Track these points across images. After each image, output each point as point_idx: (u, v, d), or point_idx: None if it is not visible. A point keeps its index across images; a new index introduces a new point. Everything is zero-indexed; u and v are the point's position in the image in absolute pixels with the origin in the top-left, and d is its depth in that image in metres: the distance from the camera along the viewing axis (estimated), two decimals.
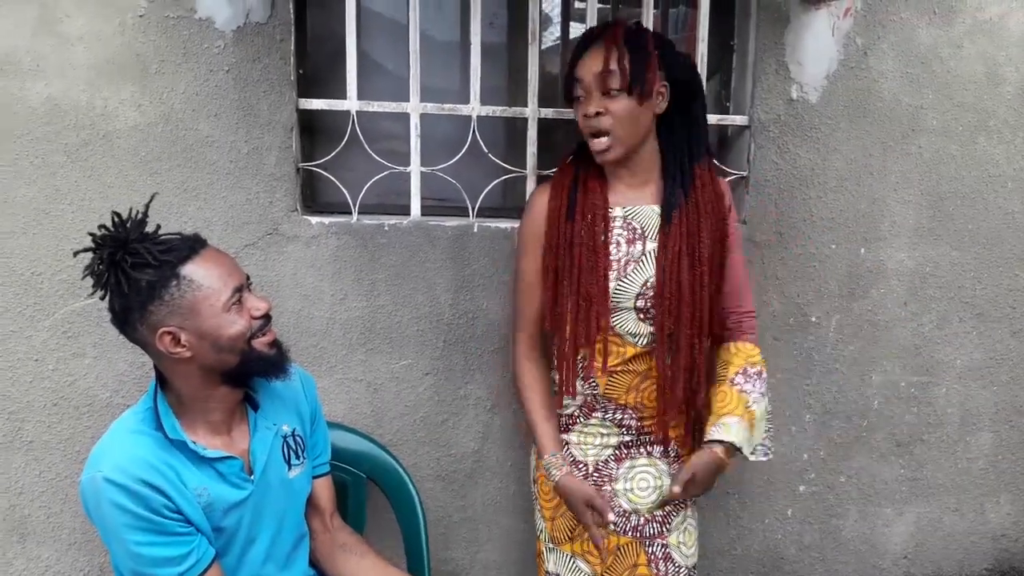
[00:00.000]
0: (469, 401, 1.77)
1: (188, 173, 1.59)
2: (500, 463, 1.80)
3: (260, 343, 1.14)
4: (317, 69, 1.79)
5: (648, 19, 1.71)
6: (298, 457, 1.26)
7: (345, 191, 1.69)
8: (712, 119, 1.79)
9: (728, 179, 1.80)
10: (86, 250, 1.09)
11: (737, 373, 1.45)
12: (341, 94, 1.67)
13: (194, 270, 1.08)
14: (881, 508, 1.98)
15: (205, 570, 1.11)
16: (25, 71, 1.52)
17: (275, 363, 1.16)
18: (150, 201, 1.15)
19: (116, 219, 1.09)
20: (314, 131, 1.80)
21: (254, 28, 1.57)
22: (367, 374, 1.72)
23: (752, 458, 1.44)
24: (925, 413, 1.96)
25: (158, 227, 1.13)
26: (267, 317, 1.15)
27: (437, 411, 1.76)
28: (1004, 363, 1.97)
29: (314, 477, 1.34)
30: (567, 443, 1.49)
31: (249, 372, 1.15)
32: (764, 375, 1.47)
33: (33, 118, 1.54)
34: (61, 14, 1.51)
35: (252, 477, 1.19)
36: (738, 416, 1.42)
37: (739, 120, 1.79)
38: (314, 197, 1.82)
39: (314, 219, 1.66)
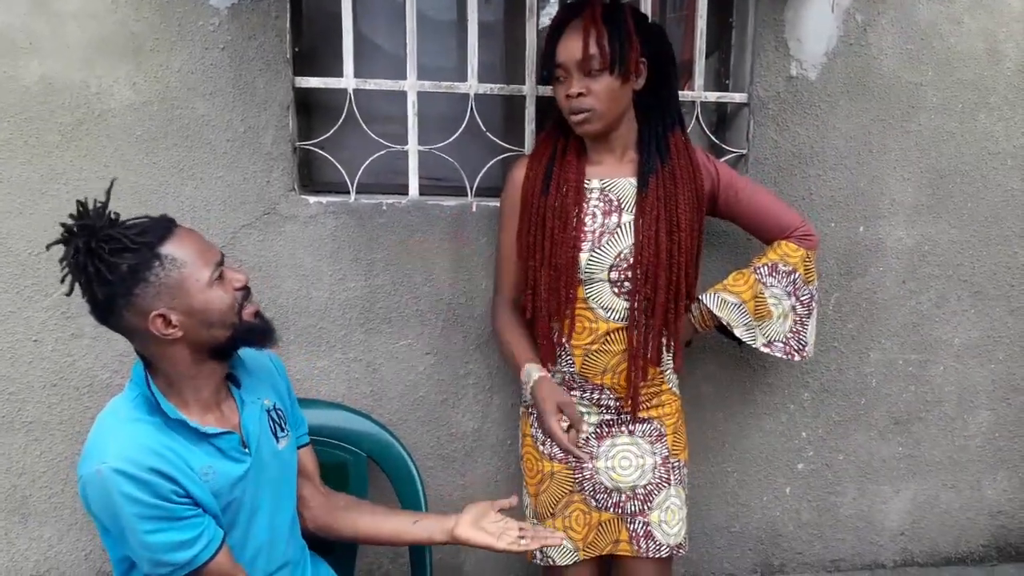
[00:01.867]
0: (468, 380, 1.77)
1: (184, 153, 1.59)
2: (500, 442, 1.81)
3: (247, 314, 1.15)
4: (313, 47, 1.78)
5: None
6: (282, 429, 1.27)
7: (343, 170, 1.68)
8: (711, 96, 1.79)
9: (727, 157, 1.80)
10: (57, 242, 1.07)
11: (764, 264, 1.55)
12: (337, 72, 1.66)
13: (174, 249, 1.07)
14: (879, 485, 2.00)
15: (216, 550, 1.11)
16: (19, 49, 1.51)
17: (264, 331, 1.17)
18: (110, 188, 1.13)
19: (81, 208, 1.06)
20: (311, 110, 1.79)
21: (249, 5, 1.56)
22: (366, 354, 1.72)
23: (764, 349, 1.56)
24: (923, 391, 1.96)
25: (117, 215, 1.09)
26: (247, 289, 1.16)
27: (436, 391, 1.76)
28: (1002, 341, 1.98)
29: (298, 448, 1.35)
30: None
31: (238, 344, 1.16)
32: (798, 275, 1.54)
33: (27, 97, 1.53)
34: None
35: (248, 451, 1.19)
36: (740, 299, 1.52)
37: (738, 98, 1.78)
38: (311, 176, 1.82)
39: (312, 199, 1.65)
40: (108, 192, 1.11)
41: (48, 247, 1.10)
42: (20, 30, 1.50)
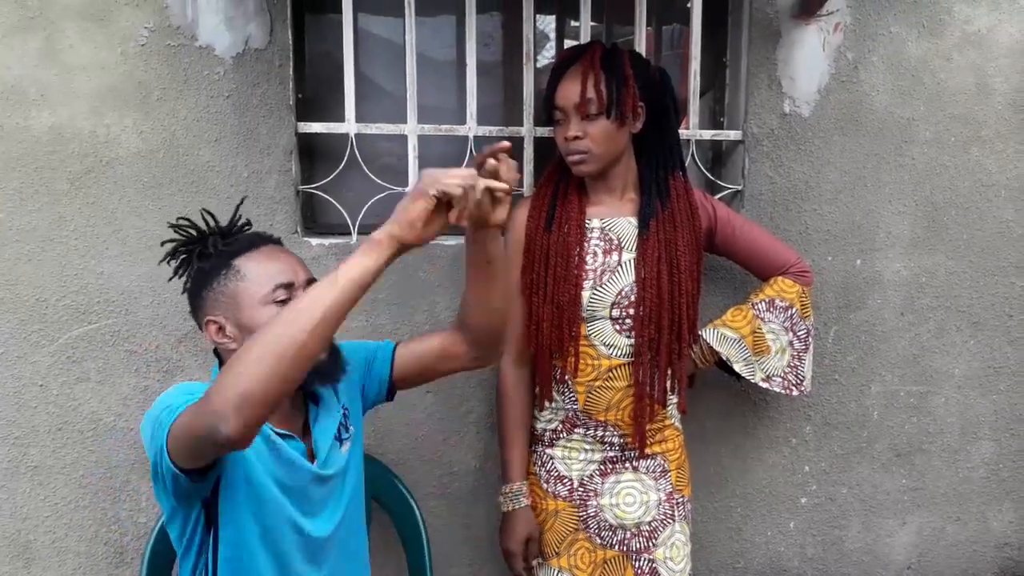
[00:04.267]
0: (470, 419, 1.78)
1: (190, 198, 1.62)
2: (501, 481, 1.81)
3: None
4: (315, 93, 1.82)
5: (641, 37, 1.74)
6: (347, 430, 1.25)
7: (344, 212, 1.71)
8: (706, 135, 1.82)
9: (722, 193, 1.82)
10: (169, 241, 1.18)
11: (762, 300, 1.57)
12: (339, 117, 1.69)
13: (245, 262, 1.12)
14: (883, 519, 1.99)
15: None
16: (30, 100, 1.55)
17: (322, 370, 1.10)
18: (240, 204, 1.23)
19: (206, 218, 1.18)
20: (313, 154, 1.83)
21: (253, 54, 1.60)
22: None
23: (763, 384, 1.58)
24: (925, 422, 1.96)
25: (245, 226, 1.21)
26: None
27: (438, 429, 1.77)
28: (1003, 371, 1.98)
29: (393, 351, 1.28)
30: (552, 458, 1.51)
31: None
32: (795, 310, 1.56)
33: (37, 146, 1.56)
34: (65, 44, 1.54)
35: (314, 462, 1.17)
36: (739, 334, 1.54)
37: (733, 135, 1.81)
38: (314, 219, 1.84)
39: (315, 240, 1.68)
40: (237, 207, 1.22)
41: (163, 244, 1.20)
42: (31, 82, 1.54)
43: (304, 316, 0.90)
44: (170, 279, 1.20)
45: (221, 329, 1.11)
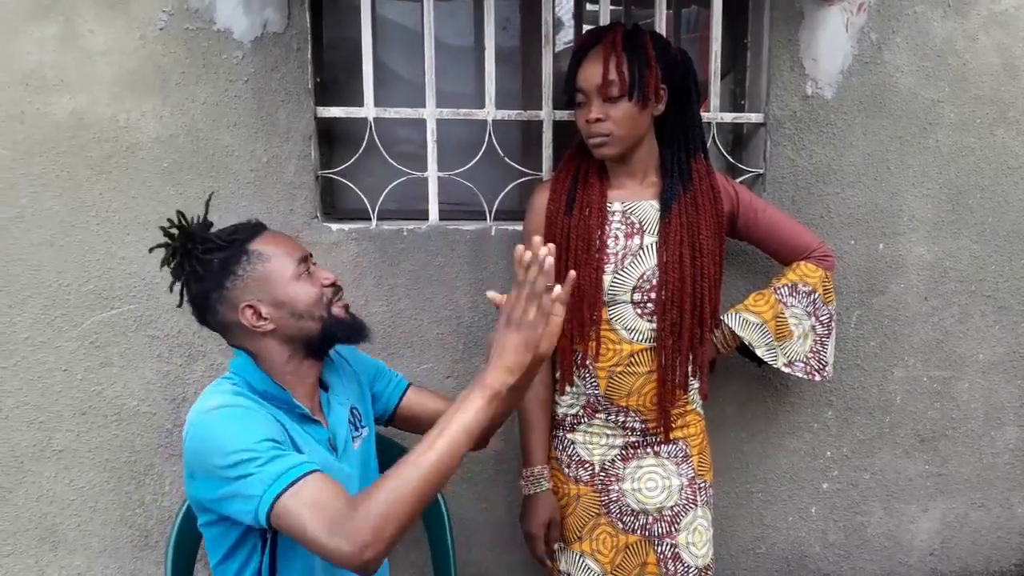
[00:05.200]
0: None
1: (209, 183, 1.62)
2: (522, 464, 1.80)
3: (337, 308, 1.18)
4: (334, 77, 1.81)
5: (661, 19, 1.72)
6: (357, 429, 1.28)
7: (364, 197, 1.71)
8: (727, 117, 1.80)
9: (744, 177, 1.80)
10: (159, 246, 1.15)
11: (784, 285, 1.56)
12: (358, 101, 1.69)
13: (260, 245, 1.14)
14: (906, 505, 1.97)
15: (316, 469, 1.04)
16: (50, 86, 1.55)
17: (355, 326, 1.20)
18: (209, 199, 1.21)
19: (181, 217, 1.15)
20: (332, 139, 1.82)
21: (271, 38, 1.59)
22: None
23: (785, 369, 1.57)
24: (948, 408, 1.94)
25: (212, 224, 1.18)
26: (337, 286, 1.19)
27: None
28: None
29: (406, 389, 1.39)
30: (573, 443, 1.51)
31: (331, 338, 1.18)
32: (817, 295, 1.55)
33: (58, 132, 1.57)
34: (84, 29, 1.54)
35: (336, 452, 1.20)
36: (761, 319, 1.53)
37: (755, 118, 1.79)
38: (333, 204, 1.84)
39: (334, 226, 1.68)
40: (207, 204, 1.20)
41: (151, 250, 1.18)
42: (51, 67, 1.55)
43: (444, 464, 0.98)
44: (171, 285, 1.17)
45: (257, 312, 1.12)
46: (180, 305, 1.18)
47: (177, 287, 1.17)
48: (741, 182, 1.70)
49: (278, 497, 0.98)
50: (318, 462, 1.06)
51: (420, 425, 1.33)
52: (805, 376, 1.58)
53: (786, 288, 1.55)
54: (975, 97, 1.82)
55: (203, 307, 1.15)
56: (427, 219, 1.73)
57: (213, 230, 1.17)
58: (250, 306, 1.12)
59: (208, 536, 1.16)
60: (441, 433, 1.00)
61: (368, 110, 1.68)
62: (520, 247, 1.02)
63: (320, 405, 1.24)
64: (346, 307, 1.20)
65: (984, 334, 1.93)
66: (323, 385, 1.26)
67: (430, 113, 1.69)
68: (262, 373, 1.16)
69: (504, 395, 1.03)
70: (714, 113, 1.77)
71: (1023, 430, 1.98)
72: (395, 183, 1.71)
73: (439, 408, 1.31)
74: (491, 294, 1.08)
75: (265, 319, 1.13)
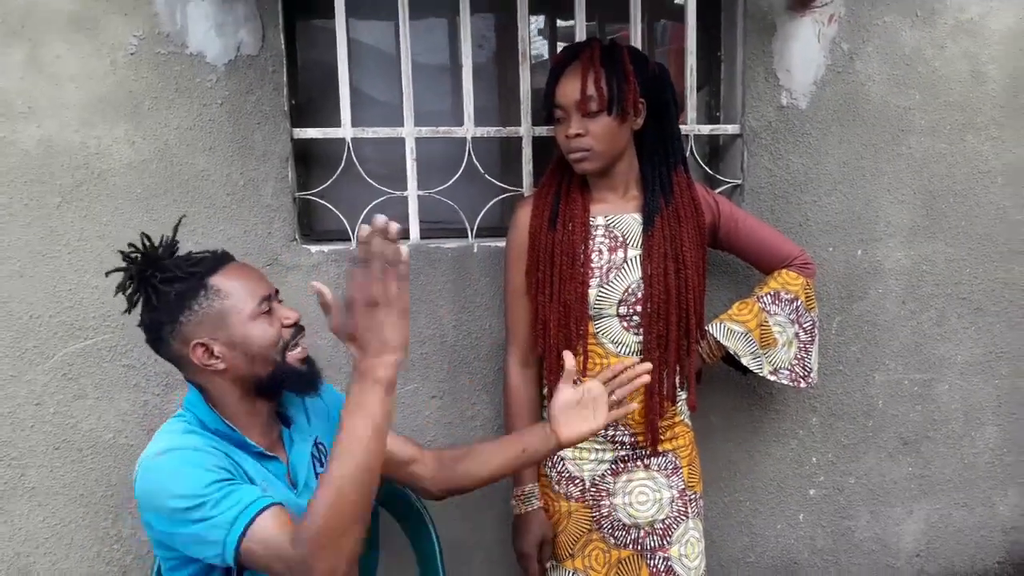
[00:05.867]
0: (477, 422, 1.76)
1: (185, 208, 1.58)
2: (511, 485, 1.78)
3: (293, 357, 1.13)
4: (310, 99, 1.79)
5: (635, 33, 1.73)
6: (322, 464, 1.24)
7: (343, 218, 1.69)
8: (704, 129, 1.81)
9: (722, 188, 1.81)
10: (117, 270, 1.11)
11: (767, 293, 1.56)
12: (335, 123, 1.67)
13: (221, 280, 1.09)
14: (891, 507, 1.99)
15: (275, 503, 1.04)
16: (17, 114, 1.51)
17: (306, 379, 1.15)
18: (178, 223, 1.17)
19: (146, 241, 1.10)
20: (309, 160, 1.80)
21: (246, 61, 1.57)
22: None
23: (771, 377, 1.58)
24: (929, 410, 1.97)
25: (189, 252, 1.14)
26: (298, 327, 1.15)
27: (445, 434, 1.75)
28: (1004, 356, 1.99)
29: None
30: (562, 459, 1.50)
31: (280, 385, 1.14)
32: (799, 303, 1.56)
33: (27, 160, 1.53)
34: (51, 55, 1.51)
35: (295, 488, 1.17)
36: (746, 327, 1.54)
37: (731, 129, 1.81)
38: (312, 226, 1.82)
39: (313, 248, 1.65)
40: (175, 227, 1.15)
41: (108, 274, 1.14)
42: (17, 94, 1.51)
43: (364, 479, 0.95)
44: (126, 311, 1.12)
45: (208, 351, 1.08)
46: (137, 313, 1.12)
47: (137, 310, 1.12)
48: (719, 193, 1.71)
49: (241, 538, 0.98)
50: (277, 497, 1.04)
51: (386, 464, 1.29)
52: (791, 383, 1.59)
53: (769, 296, 1.56)
54: (945, 103, 1.86)
55: (155, 337, 1.11)
56: (408, 238, 1.72)
57: (181, 253, 1.12)
58: (202, 344, 1.08)
59: (164, 566, 1.13)
60: (349, 448, 0.95)
61: (346, 130, 1.66)
62: (365, 226, 0.93)
63: (281, 440, 1.20)
64: (304, 358, 1.15)
65: (961, 336, 1.96)
66: (285, 420, 1.22)
67: (408, 132, 1.68)
68: (212, 412, 1.12)
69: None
70: (691, 125, 1.79)
71: (1002, 429, 2.02)
72: (375, 203, 1.69)
73: (403, 451, 1.29)
74: (315, 284, 0.99)
75: (217, 358, 1.08)
